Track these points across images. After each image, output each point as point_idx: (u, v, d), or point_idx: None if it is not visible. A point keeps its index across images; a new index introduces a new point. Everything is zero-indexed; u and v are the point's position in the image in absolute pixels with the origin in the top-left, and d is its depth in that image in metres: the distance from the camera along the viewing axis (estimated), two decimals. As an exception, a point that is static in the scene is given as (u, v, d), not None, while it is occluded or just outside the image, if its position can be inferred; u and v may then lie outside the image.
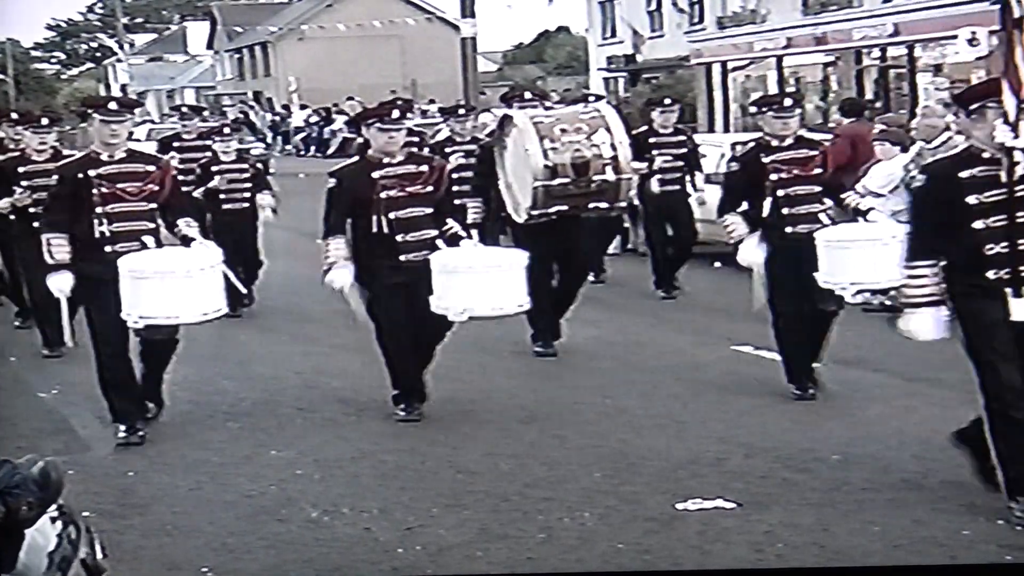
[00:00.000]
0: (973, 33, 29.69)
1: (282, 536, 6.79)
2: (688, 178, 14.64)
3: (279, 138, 55.17)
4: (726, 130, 36.46)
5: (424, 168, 9.19)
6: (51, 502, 3.23)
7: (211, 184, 13.67)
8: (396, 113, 9.21)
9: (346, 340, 10.90)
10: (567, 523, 6.94)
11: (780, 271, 9.19)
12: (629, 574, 5.89)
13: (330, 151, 45.92)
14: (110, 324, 8.56)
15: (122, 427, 8.67)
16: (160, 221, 8.87)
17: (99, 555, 3.59)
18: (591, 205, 10.99)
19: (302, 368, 11.05)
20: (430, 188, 9.06)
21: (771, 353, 9.77)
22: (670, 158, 14.39)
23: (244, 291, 8.28)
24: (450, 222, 9.10)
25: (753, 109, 10.57)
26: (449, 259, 8.82)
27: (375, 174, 8.97)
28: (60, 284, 8.75)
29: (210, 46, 78.45)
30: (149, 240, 8.67)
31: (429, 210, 9.03)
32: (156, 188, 8.80)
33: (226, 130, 14.64)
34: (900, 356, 9.62)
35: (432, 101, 45.68)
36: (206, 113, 25.69)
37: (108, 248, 8.58)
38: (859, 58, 35.88)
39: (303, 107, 56.42)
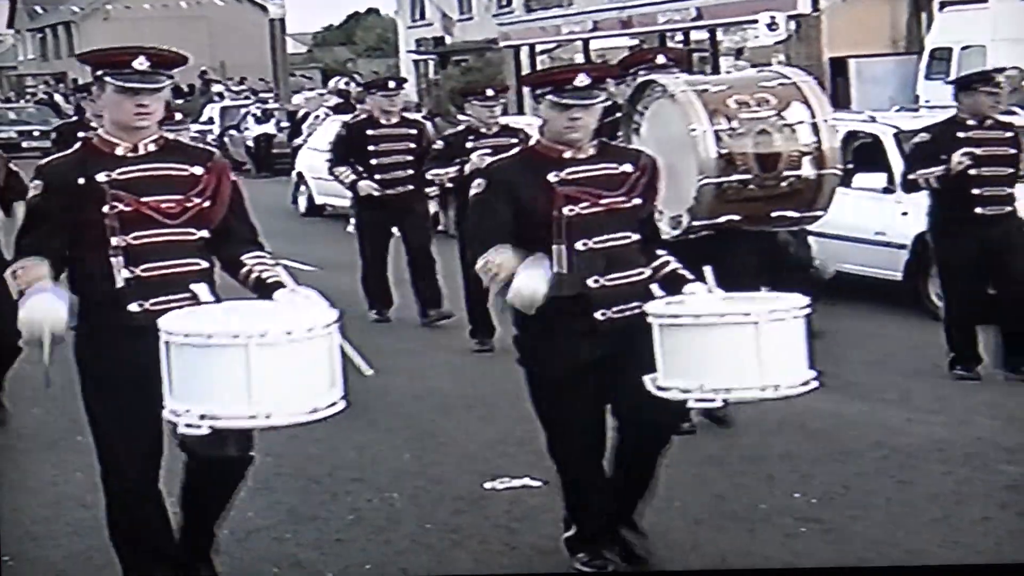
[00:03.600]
0: (772, 18, 30.39)
1: (87, 522, 6.67)
2: None
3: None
4: (535, 112, 36.61)
5: (627, 168, 5.78)
6: None
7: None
8: (584, 80, 5.68)
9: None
10: (376, 504, 6.98)
11: None
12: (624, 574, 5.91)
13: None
14: (129, 435, 5.29)
15: None
16: (214, 257, 5.40)
17: None
18: (774, 214, 7.70)
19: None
20: (636, 200, 5.74)
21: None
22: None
23: (368, 370, 5.32)
24: (662, 254, 5.79)
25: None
26: (681, 309, 5.41)
27: (552, 176, 5.67)
28: (44, 314, 5.06)
29: (11, 25, 76.48)
30: (201, 290, 5.20)
31: (634, 236, 5.75)
32: (205, 203, 5.31)
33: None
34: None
35: (242, 80, 45.19)
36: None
37: (133, 305, 5.17)
38: (663, 41, 36.31)
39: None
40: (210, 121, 34.52)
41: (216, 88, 44.16)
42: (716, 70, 33.49)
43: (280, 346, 4.76)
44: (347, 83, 31.72)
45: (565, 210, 5.54)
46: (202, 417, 4.78)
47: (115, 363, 5.17)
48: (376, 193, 11.88)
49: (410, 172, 11.79)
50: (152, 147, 5.27)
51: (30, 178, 5.36)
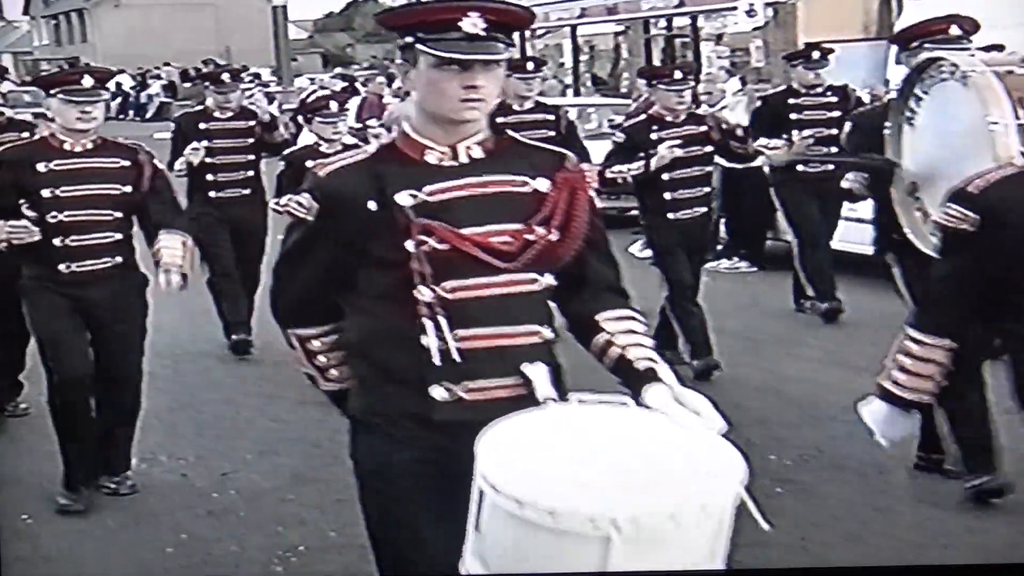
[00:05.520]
0: (751, 5, 30.30)
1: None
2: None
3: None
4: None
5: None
6: None
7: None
8: None
9: (161, 294, 10.73)
10: (375, 466, 6.98)
11: None
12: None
13: (148, 115, 45.04)
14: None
15: None
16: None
17: None
18: None
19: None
20: None
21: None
22: None
23: (767, 526, 3.05)
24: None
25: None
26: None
27: None
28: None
29: (26, 12, 76.20)
30: (539, 375, 3.28)
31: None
32: (552, 235, 3.28)
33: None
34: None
35: (245, 68, 45.09)
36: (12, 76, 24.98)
37: (438, 390, 3.29)
38: (647, 28, 36.28)
39: (120, 72, 55.22)
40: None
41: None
42: (697, 56, 33.50)
43: (658, 533, 2.78)
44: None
45: None
46: None
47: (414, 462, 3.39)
48: None
49: None
50: (477, 152, 3.38)
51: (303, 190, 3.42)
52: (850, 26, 29.57)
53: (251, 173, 9.88)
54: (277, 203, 8.47)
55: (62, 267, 6.30)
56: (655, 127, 8.88)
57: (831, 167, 9.39)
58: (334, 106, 8.97)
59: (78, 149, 6.36)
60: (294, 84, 34.07)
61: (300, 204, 3.38)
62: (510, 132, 3.48)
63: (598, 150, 9.44)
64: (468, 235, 3.27)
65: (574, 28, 39.08)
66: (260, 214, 9.67)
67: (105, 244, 6.36)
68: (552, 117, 9.96)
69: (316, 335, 3.56)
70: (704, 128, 8.90)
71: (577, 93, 33.79)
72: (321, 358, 3.58)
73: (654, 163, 8.67)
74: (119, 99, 52.18)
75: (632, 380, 3.31)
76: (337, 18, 79.89)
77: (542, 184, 3.35)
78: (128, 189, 6.39)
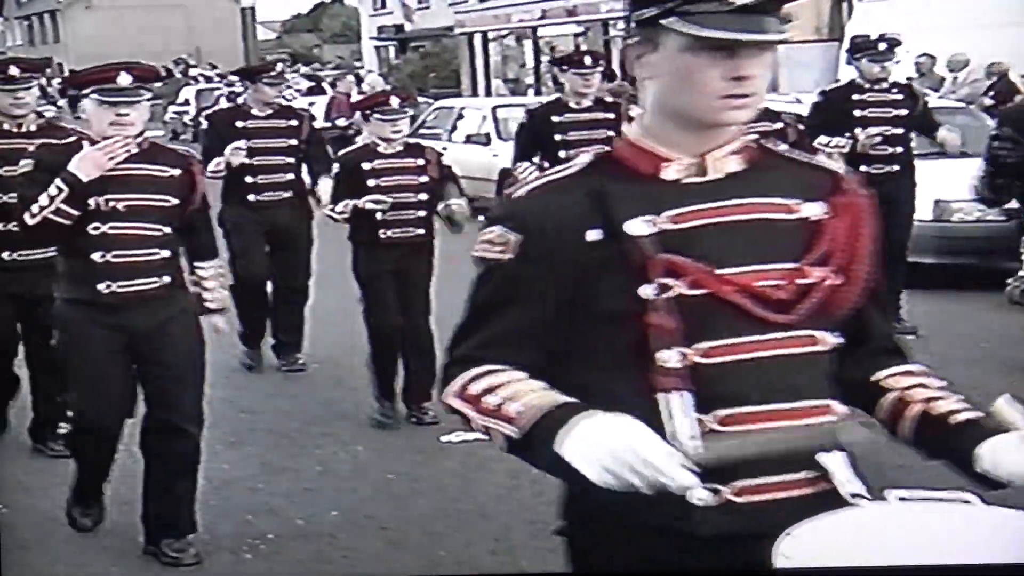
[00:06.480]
0: (707, 8, 30.37)
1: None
2: None
3: (67, 101, 53.67)
4: (488, 95, 36.57)
5: None
6: None
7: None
8: None
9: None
10: (342, 456, 7.00)
11: None
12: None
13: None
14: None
15: None
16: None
17: None
18: None
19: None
20: None
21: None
22: None
23: None
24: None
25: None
26: None
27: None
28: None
29: None
30: (839, 465, 2.31)
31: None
32: (837, 280, 2.44)
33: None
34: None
35: (214, 67, 44.89)
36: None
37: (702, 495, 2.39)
38: (606, 29, 36.33)
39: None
40: (186, 103, 34.44)
41: (192, 72, 43.91)
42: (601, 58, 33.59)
43: None
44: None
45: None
46: None
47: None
48: None
49: None
50: (732, 165, 2.44)
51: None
52: (803, 28, 29.70)
53: (292, 176, 8.81)
54: (333, 210, 7.59)
55: (102, 287, 5.28)
56: None
57: (896, 168, 9.11)
58: (395, 101, 7.60)
59: (125, 154, 5.30)
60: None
61: (490, 242, 2.40)
62: (763, 142, 2.55)
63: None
64: (730, 277, 2.34)
65: (535, 30, 39.10)
66: (302, 220, 8.86)
67: (152, 262, 5.35)
68: (612, 116, 8.59)
69: (488, 390, 2.36)
70: (778, 126, 8.22)
71: (538, 93, 33.76)
72: (491, 399, 2.34)
73: None
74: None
75: (952, 444, 2.41)
76: (304, 19, 79.82)
77: (815, 210, 2.45)
78: (176, 201, 5.38)
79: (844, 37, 27.32)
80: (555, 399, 2.28)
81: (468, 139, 15.37)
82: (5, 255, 6.67)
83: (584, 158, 2.45)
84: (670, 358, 2.30)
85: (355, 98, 20.57)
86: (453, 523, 5.97)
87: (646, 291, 2.31)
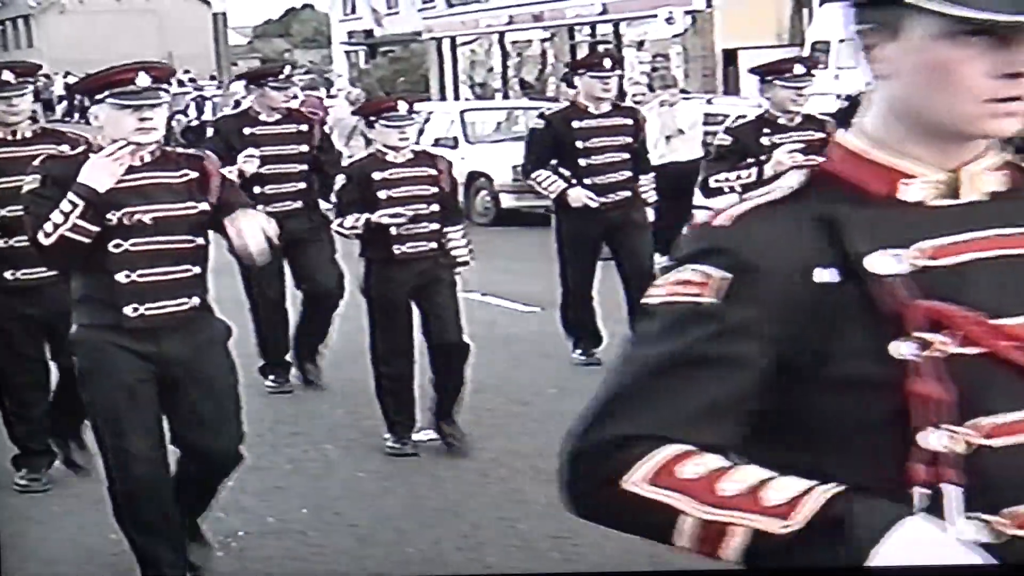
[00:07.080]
0: (671, 13, 30.51)
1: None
2: None
3: (40, 105, 53.38)
4: (456, 98, 36.58)
5: None
6: None
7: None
8: None
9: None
10: (312, 455, 6.99)
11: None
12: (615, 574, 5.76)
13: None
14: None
15: None
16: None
17: None
18: None
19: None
20: None
21: (496, 299, 9.88)
22: None
23: None
24: None
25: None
26: None
27: None
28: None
29: (-27, 18, 75.36)
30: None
31: None
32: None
33: None
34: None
35: (187, 71, 44.71)
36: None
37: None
38: (572, 34, 36.40)
39: (67, 74, 54.79)
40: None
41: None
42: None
43: None
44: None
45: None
46: None
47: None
48: (593, 204, 8.35)
49: (626, 175, 8.46)
50: (992, 183, 1.87)
51: None
52: (764, 33, 29.78)
53: (303, 185, 8.17)
54: (341, 224, 6.98)
55: (128, 310, 4.76)
56: (766, 130, 7.56)
57: None
58: (403, 107, 6.94)
59: (137, 163, 4.80)
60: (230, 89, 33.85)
61: (683, 283, 1.77)
62: None
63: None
64: (1011, 329, 1.73)
65: (502, 34, 39.11)
66: (315, 231, 8.14)
67: (182, 280, 4.85)
68: (630, 122, 8.47)
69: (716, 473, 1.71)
70: (824, 135, 7.22)
71: (506, 96, 33.80)
72: (728, 485, 1.69)
73: (769, 170, 7.21)
74: (65, 102, 51.82)
75: None
76: (276, 24, 79.61)
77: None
78: (203, 206, 4.86)
79: (805, 42, 27.53)
80: (816, 485, 1.65)
81: (436, 142, 15.42)
82: (7, 274, 6.12)
83: (794, 176, 1.86)
84: (937, 440, 1.68)
85: (328, 103, 20.57)
86: (422, 521, 5.96)
87: (901, 349, 1.70)
